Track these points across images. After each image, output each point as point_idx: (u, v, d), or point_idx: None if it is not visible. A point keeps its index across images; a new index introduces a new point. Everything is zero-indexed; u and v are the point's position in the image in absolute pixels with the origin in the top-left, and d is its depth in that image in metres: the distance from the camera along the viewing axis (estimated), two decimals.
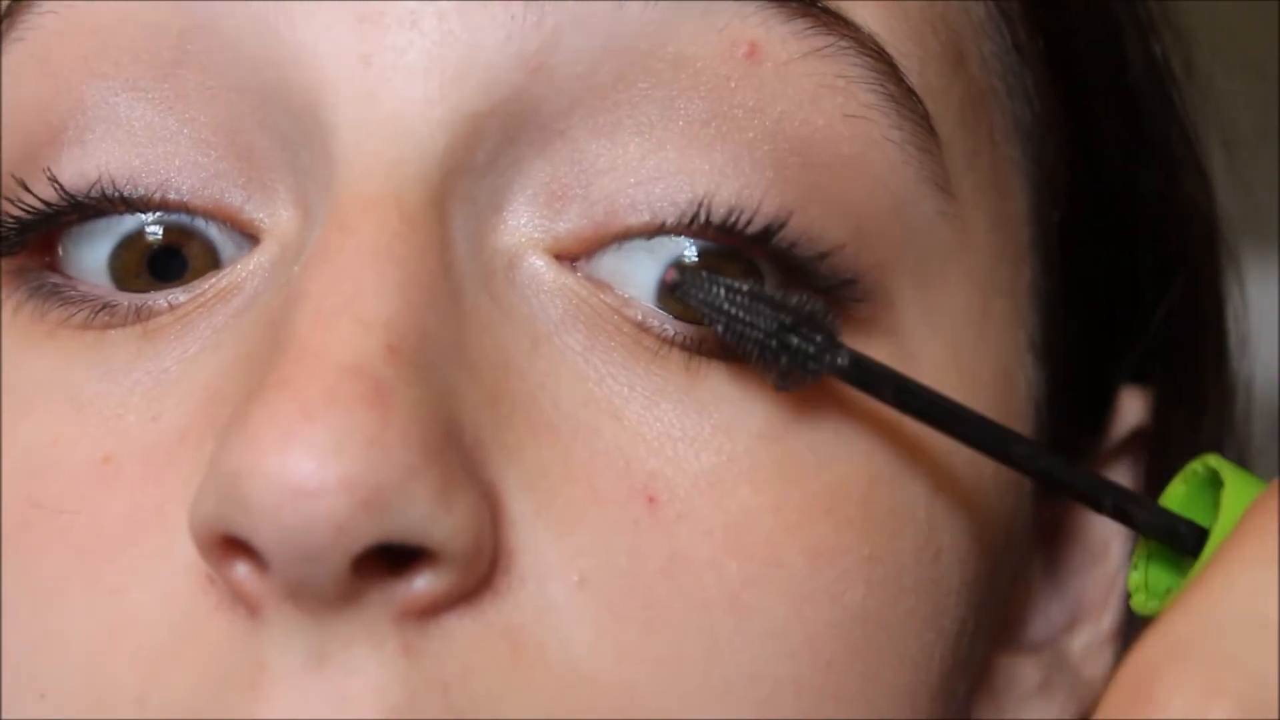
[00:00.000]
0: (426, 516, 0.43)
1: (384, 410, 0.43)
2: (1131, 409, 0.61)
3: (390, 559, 0.44)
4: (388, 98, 0.46)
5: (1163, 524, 0.46)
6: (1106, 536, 0.60)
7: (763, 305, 0.45)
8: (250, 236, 0.49)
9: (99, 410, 0.48)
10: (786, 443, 0.48)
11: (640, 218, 0.48)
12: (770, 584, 0.47)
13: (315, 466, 0.42)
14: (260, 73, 0.48)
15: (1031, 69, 0.55)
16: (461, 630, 0.45)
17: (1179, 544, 0.46)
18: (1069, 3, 0.56)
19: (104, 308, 0.49)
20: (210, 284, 0.49)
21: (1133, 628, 0.60)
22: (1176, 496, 0.47)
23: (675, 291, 0.45)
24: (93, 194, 0.49)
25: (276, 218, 0.49)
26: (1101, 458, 0.60)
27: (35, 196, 0.49)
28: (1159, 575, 0.47)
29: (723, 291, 0.45)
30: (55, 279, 0.50)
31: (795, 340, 0.45)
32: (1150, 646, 0.39)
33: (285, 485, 0.42)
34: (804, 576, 0.47)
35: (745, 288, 0.45)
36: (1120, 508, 0.46)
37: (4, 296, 0.51)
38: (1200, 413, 0.61)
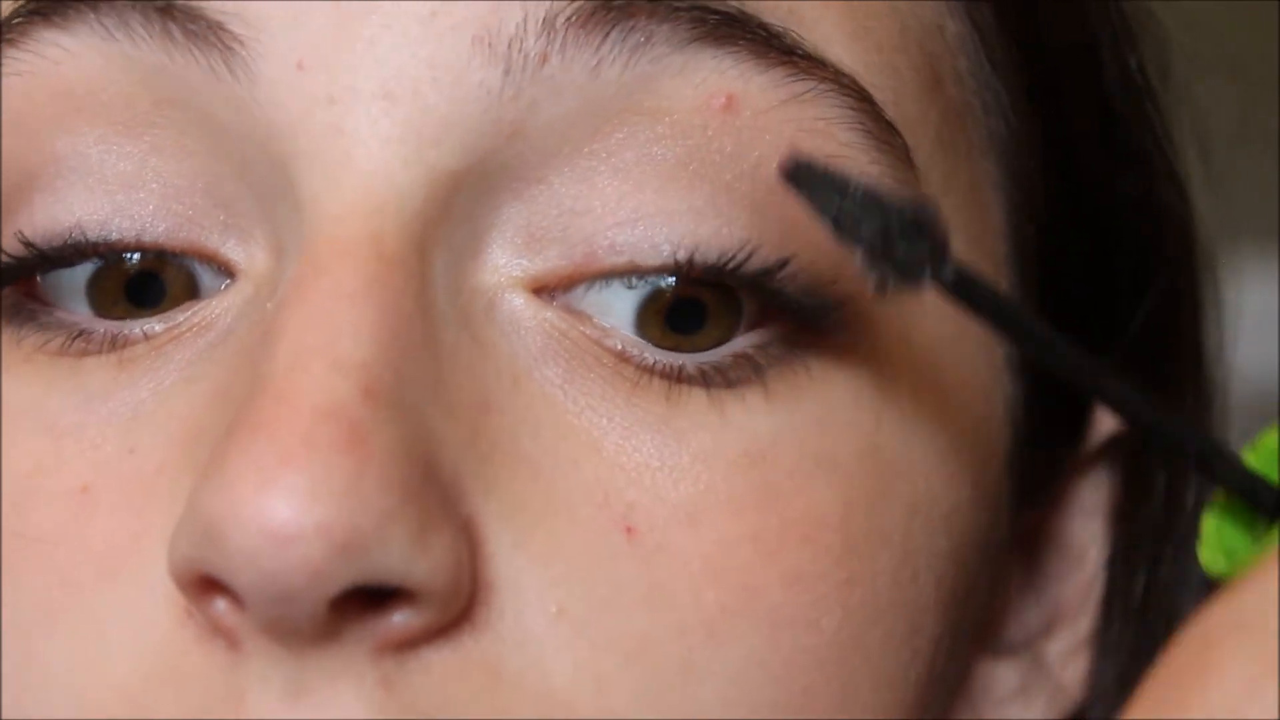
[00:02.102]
0: (404, 558, 0.43)
1: (360, 454, 0.43)
2: (1108, 416, 0.61)
3: (368, 596, 0.44)
4: (363, 160, 0.46)
5: (1245, 481, 0.44)
6: (1085, 542, 0.60)
7: (875, 207, 0.41)
8: (227, 272, 0.49)
9: (76, 440, 0.48)
10: (764, 470, 0.48)
11: (619, 260, 0.48)
12: (747, 612, 0.47)
13: (292, 513, 0.42)
14: (235, 138, 0.48)
15: (1006, 83, 0.55)
16: (440, 663, 0.45)
17: (1259, 504, 0.44)
18: (1043, 15, 0.56)
19: (80, 334, 0.49)
20: (185, 317, 0.49)
21: (1110, 632, 0.60)
22: (1269, 448, 0.45)
23: (790, 181, 0.41)
24: (66, 244, 0.49)
25: (253, 259, 0.49)
26: (1079, 464, 0.61)
27: (6, 254, 0.49)
28: (1230, 534, 0.46)
29: (836, 187, 0.41)
30: (33, 305, 0.50)
31: (901, 248, 0.40)
32: (1214, 615, 0.38)
33: (262, 531, 0.42)
34: (781, 603, 0.47)
35: (859, 186, 0.41)
36: (1204, 458, 0.44)
37: None
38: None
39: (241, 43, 0.47)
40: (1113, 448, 0.61)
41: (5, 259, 0.49)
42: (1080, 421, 0.61)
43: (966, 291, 0.41)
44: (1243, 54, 0.68)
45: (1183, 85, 0.62)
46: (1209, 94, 0.63)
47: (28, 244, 0.49)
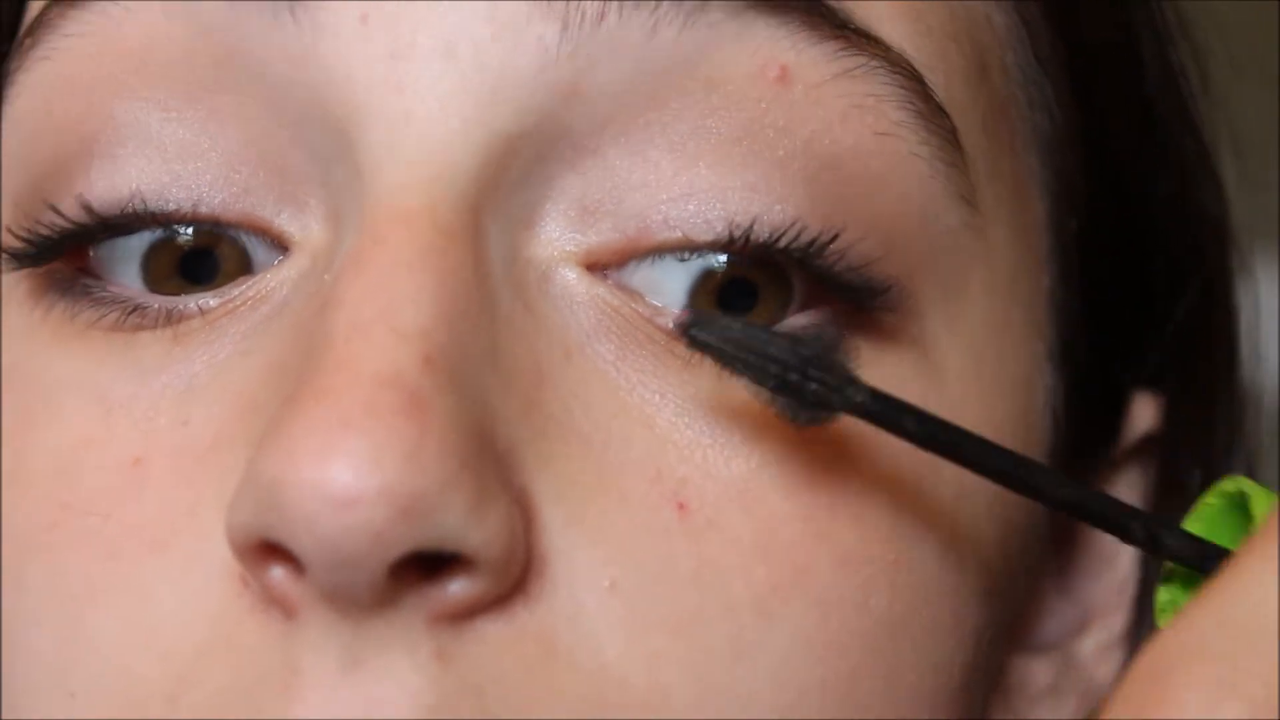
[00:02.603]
0: (462, 524, 0.43)
1: (421, 421, 0.43)
2: (1143, 415, 0.61)
3: (425, 565, 0.44)
4: (421, 119, 0.47)
5: (1194, 551, 0.46)
6: (1116, 545, 0.60)
7: (775, 347, 0.44)
8: (281, 246, 0.49)
9: (129, 412, 0.49)
10: (816, 449, 0.48)
11: (672, 235, 0.48)
12: (797, 590, 0.47)
13: (354, 477, 0.42)
14: (295, 97, 0.48)
15: (1052, 79, 0.55)
16: (495, 635, 0.45)
17: (1210, 569, 0.45)
18: (1087, 12, 0.56)
19: (135, 309, 0.49)
20: (240, 290, 0.49)
21: (1142, 630, 0.60)
22: (1206, 514, 0.47)
23: (686, 334, 0.45)
24: (124, 212, 0.49)
25: (308, 230, 0.49)
26: (1112, 463, 0.61)
27: (66, 219, 0.50)
28: (1186, 597, 0.47)
29: (735, 336, 0.45)
30: (87, 280, 0.50)
31: (811, 382, 0.44)
32: (1165, 644, 0.39)
33: (324, 495, 0.42)
34: (831, 583, 0.47)
35: (758, 331, 0.44)
36: (1152, 535, 0.46)
37: (36, 300, 0.51)
38: (1211, 419, 0.62)
39: None
40: (1147, 446, 0.61)
41: (65, 224, 0.50)
42: (1114, 419, 0.61)
43: (884, 414, 0.44)
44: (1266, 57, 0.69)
45: (1220, 89, 0.62)
46: (1245, 97, 0.63)
47: (87, 208, 0.49)
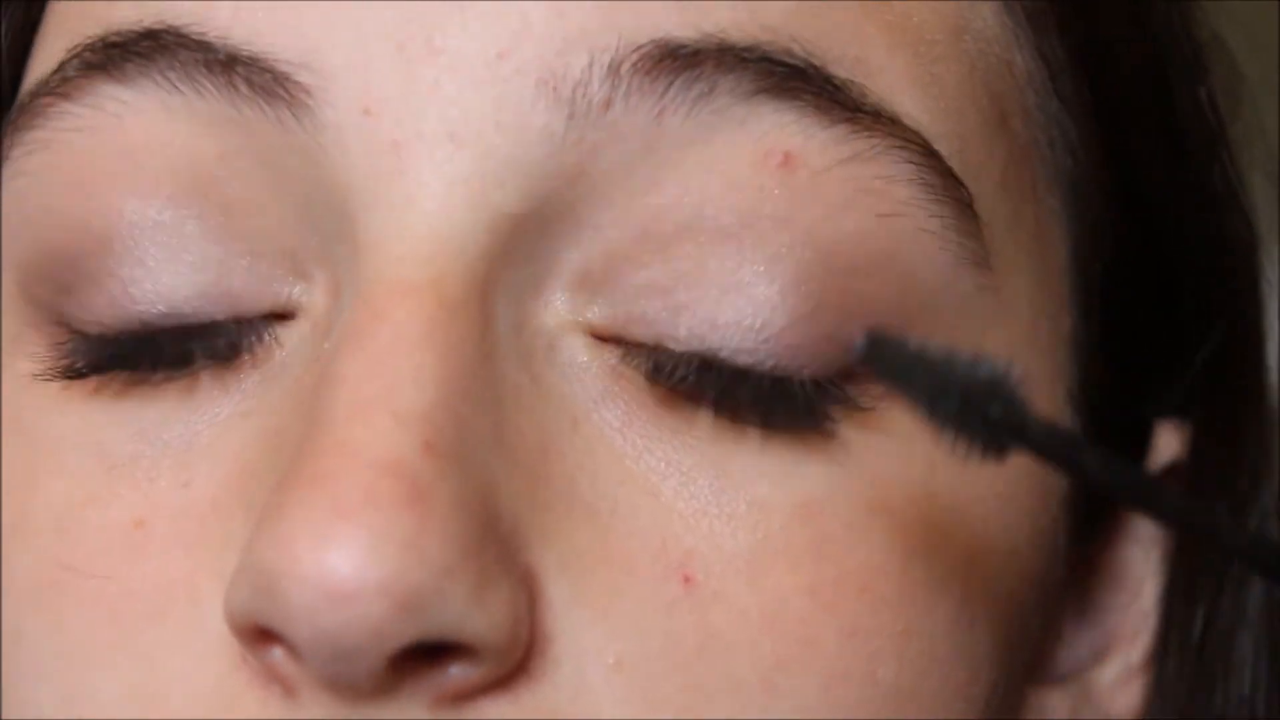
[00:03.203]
0: (462, 614, 0.43)
1: (421, 510, 0.43)
2: (1168, 444, 0.60)
3: (426, 650, 0.44)
4: (425, 201, 0.46)
5: None
6: (1141, 574, 0.60)
7: (952, 379, 0.41)
8: (286, 313, 0.49)
9: (130, 473, 0.48)
10: (822, 521, 0.47)
11: (648, 332, 0.48)
12: (803, 664, 0.47)
13: (352, 569, 0.42)
14: (300, 186, 0.47)
15: (1074, 117, 0.54)
16: (498, 715, 0.45)
17: None
18: (1113, 48, 0.55)
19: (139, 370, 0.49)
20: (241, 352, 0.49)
21: (1165, 659, 0.60)
22: None
23: (866, 362, 0.42)
24: (164, 328, 0.48)
25: (311, 298, 0.48)
26: None
27: (104, 339, 0.49)
28: None
29: (913, 365, 0.41)
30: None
31: (981, 418, 0.40)
32: None
33: (321, 587, 0.42)
34: (837, 655, 0.47)
35: (935, 359, 0.41)
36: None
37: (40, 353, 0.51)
38: (1239, 449, 0.61)
39: (308, 92, 0.47)
40: (1172, 477, 0.60)
41: (104, 342, 0.49)
42: (1139, 450, 0.60)
43: (1053, 449, 0.41)
44: None
45: (1252, 114, 0.61)
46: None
47: (127, 328, 0.49)
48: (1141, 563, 0.60)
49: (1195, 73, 0.58)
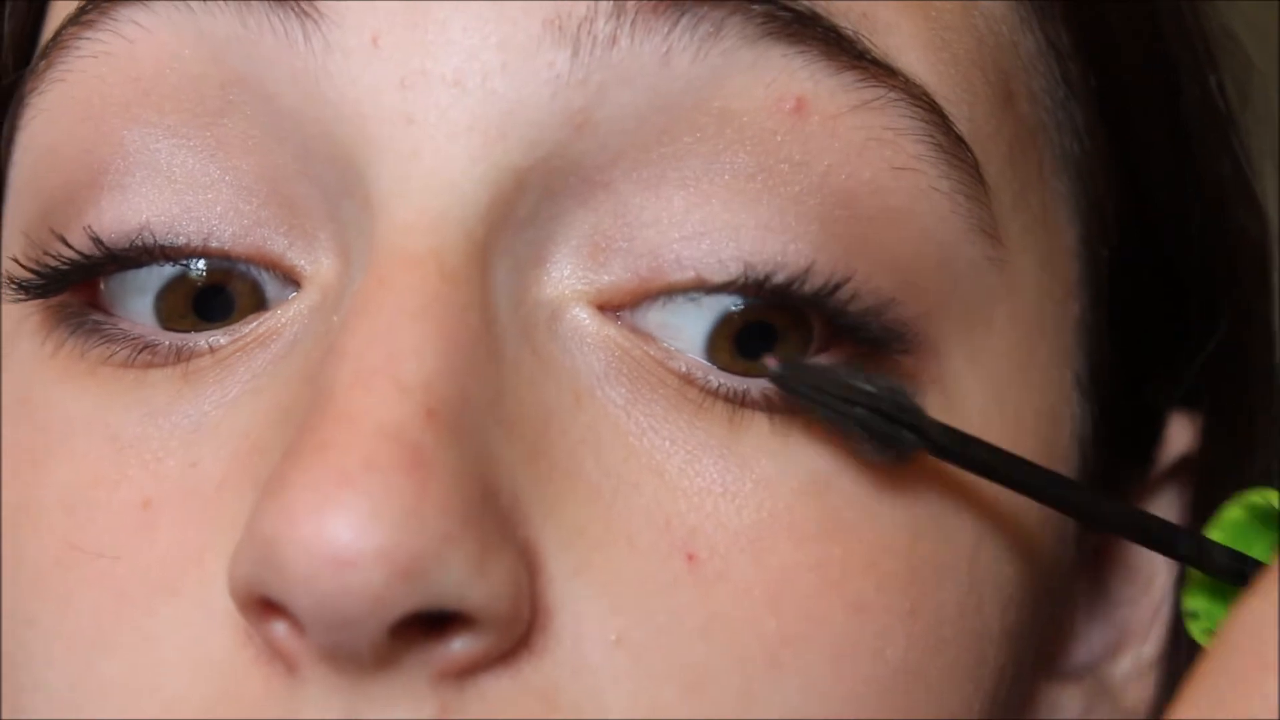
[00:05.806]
0: (463, 583, 0.43)
1: (422, 477, 0.43)
2: (1179, 436, 0.60)
3: (427, 621, 0.43)
4: (430, 155, 0.46)
5: (1237, 565, 0.47)
6: (1153, 567, 0.59)
7: (857, 390, 0.46)
8: (292, 280, 0.49)
9: (139, 453, 0.48)
10: (829, 498, 0.47)
11: (686, 275, 0.47)
12: (810, 642, 0.46)
13: (352, 536, 0.42)
14: (303, 126, 0.47)
15: (1081, 103, 0.54)
16: (498, 690, 0.44)
17: (1245, 580, 0.46)
18: (1119, 35, 0.55)
19: (145, 347, 0.49)
20: (251, 328, 0.49)
21: (1179, 652, 0.59)
22: (1228, 525, 0.48)
23: (779, 383, 0.46)
24: (133, 245, 0.49)
25: (318, 264, 0.48)
26: (1149, 485, 0.60)
27: (74, 249, 0.49)
28: (1220, 606, 0.48)
29: (821, 381, 0.46)
30: (97, 316, 0.50)
31: (888, 422, 0.46)
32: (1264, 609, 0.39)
33: (321, 554, 0.42)
34: (844, 633, 0.47)
35: (840, 376, 0.46)
36: (1201, 552, 0.47)
37: (45, 334, 0.51)
38: (1251, 439, 0.60)
39: (319, 10, 0.47)
40: (1184, 468, 0.60)
41: (74, 254, 0.49)
42: (1151, 441, 0.60)
43: (956, 449, 0.47)
44: None
45: (1263, 104, 0.61)
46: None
47: (96, 240, 0.49)
48: (1154, 556, 0.59)
49: (1204, 62, 0.58)
